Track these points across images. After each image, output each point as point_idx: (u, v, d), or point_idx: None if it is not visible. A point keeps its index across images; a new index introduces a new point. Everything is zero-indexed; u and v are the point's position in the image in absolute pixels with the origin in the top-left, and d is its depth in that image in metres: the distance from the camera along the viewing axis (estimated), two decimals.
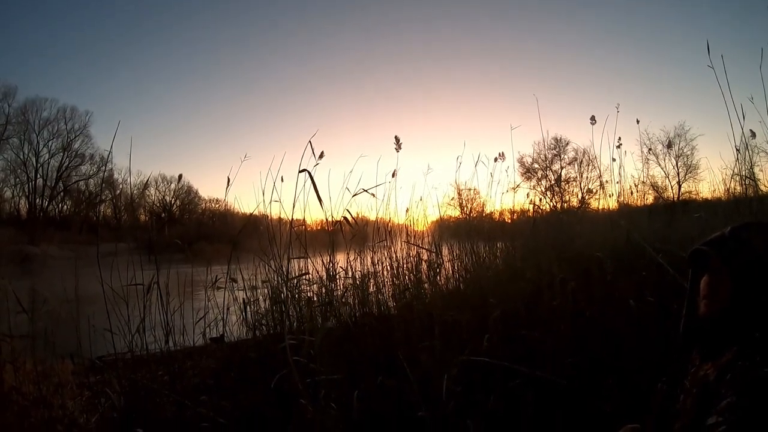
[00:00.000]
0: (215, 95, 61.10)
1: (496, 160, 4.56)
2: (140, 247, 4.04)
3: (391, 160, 4.28)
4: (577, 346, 2.83)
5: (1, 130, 36.28)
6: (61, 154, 39.00)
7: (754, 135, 3.48)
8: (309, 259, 3.77)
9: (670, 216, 4.69)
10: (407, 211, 4.79)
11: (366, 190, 3.37)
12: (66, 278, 3.47)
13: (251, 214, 3.90)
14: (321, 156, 3.60)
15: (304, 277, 3.70)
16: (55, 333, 3.19)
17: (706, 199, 5.79)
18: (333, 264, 3.94)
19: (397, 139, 4.03)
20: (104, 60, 56.98)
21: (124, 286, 3.10)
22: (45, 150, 38.53)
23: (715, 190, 4.75)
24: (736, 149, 3.47)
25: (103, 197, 38.84)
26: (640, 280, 3.16)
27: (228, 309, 3.68)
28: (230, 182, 3.71)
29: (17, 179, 37.79)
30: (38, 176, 38.10)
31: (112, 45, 56.29)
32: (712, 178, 4.79)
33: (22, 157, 37.77)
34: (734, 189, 3.93)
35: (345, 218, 3.13)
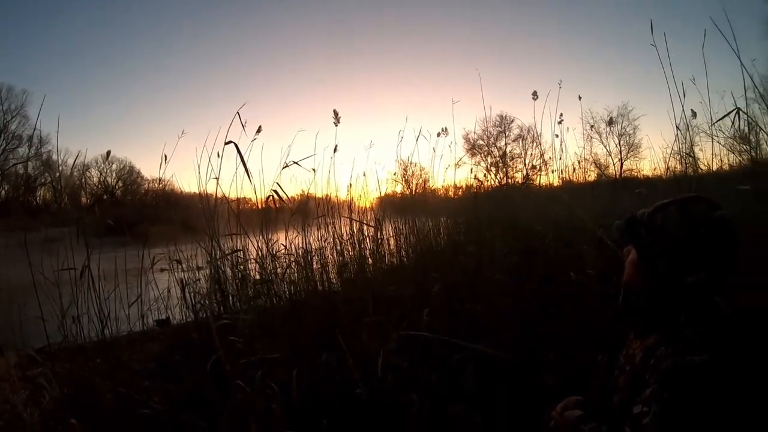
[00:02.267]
0: (162, 71, 58.11)
1: (439, 135, 4.49)
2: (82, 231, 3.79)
3: (331, 135, 4.15)
4: (518, 320, 2.82)
5: None
6: None
7: (694, 114, 3.53)
8: (249, 238, 3.62)
9: (611, 192, 4.78)
10: (350, 186, 4.68)
11: (296, 162, 3.21)
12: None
13: (194, 193, 3.71)
14: (258, 131, 3.49)
15: (238, 254, 3.54)
16: None
17: (648, 177, 5.94)
18: (273, 241, 3.85)
19: (335, 112, 3.89)
20: (42, 38, 52.80)
21: (56, 271, 2.91)
22: None
23: (656, 168, 4.85)
24: (677, 127, 3.51)
25: (43, 180, 36.57)
26: (582, 254, 3.18)
27: (169, 291, 3.59)
28: (167, 160, 3.55)
29: None
30: None
31: (53, 21, 52.19)
32: (653, 157, 4.91)
33: None
34: (674, 167, 4.01)
35: (275, 192, 2.95)
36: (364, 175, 4.66)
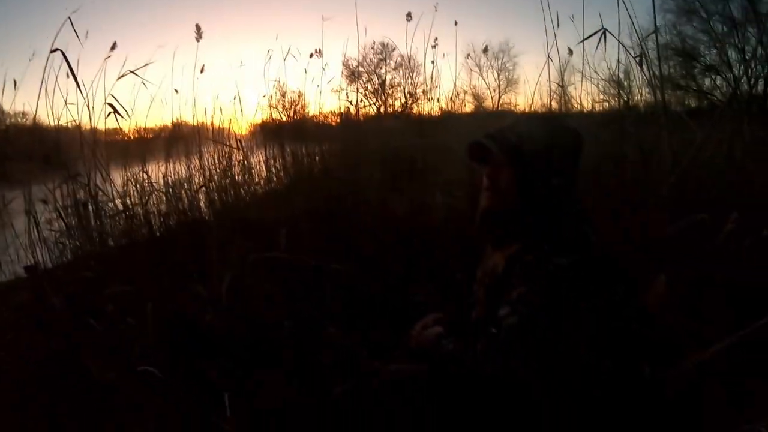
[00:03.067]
0: None
1: (311, 56, 4.27)
2: None
3: (194, 54, 3.78)
4: (388, 242, 2.86)
5: None
6: None
7: (571, 53, 3.63)
8: (107, 170, 3.29)
9: (484, 121, 4.93)
10: (220, 111, 4.37)
11: (134, 72, 2.88)
12: None
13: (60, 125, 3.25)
14: (113, 47, 3.07)
15: (100, 190, 3.21)
16: None
17: (523, 111, 6.19)
18: (140, 172, 3.56)
19: (197, 27, 3.53)
20: None
21: None
22: None
23: (531, 103, 5.04)
24: (548, 57, 3.59)
25: None
26: (450, 177, 3.27)
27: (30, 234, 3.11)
28: (16, 85, 3.07)
29: None
30: None
31: None
32: (528, 92, 5.07)
33: None
34: (549, 104, 4.15)
35: (111, 105, 2.64)
36: (236, 98, 4.37)
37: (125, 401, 1.67)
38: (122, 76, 2.85)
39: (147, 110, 3.68)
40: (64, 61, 2.44)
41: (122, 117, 2.73)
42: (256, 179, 4.03)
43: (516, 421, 1.10)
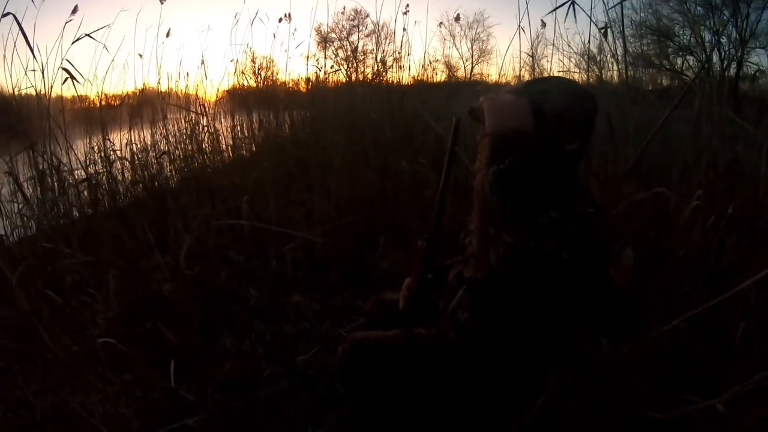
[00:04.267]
0: None
1: (280, 20, 4.16)
2: None
3: (158, 17, 3.66)
4: (354, 208, 2.86)
5: None
6: None
7: (544, 25, 3.58)
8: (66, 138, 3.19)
9: (455, 90, 4.89)
10: (186, 76, 4.26)
11: (89, 35, 2.76)
12: None
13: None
14: (74, 11, 2.92)
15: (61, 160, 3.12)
16: None
17: (496, 82, 6.12)
18: (106, 141, 3.47)
19: None
20: None
21: None
22: None
23: (502, 74, 4.99)
24: (520, 27, 3.55)
25: None
26: (418, 147, 3.27)
27: None
28: None
29: None
30: None
31: None
32: (500, 63, 5.01)
33: None
34: (522, 75, 4.12)
35: (66, 70, 2.54)
36: (203, 63, 4.26)
37: (86, 373, 1.65)
38: (77, 39, 2.73)
39: (109, 76, 3.58)
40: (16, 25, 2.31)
41: (78, 82, 2.62)
42: (223, 146, 3.97)
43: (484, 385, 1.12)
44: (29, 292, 2.04)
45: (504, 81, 5.15)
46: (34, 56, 2.58)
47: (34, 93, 3.03)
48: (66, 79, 2.58)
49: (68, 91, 3.14)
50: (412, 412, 1.16)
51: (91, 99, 3.95)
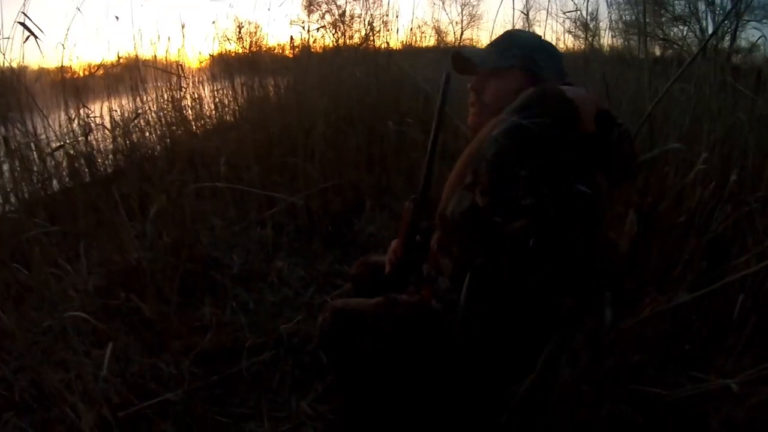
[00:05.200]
0: None
1: None
2: None
3: None
4: (340, 171, 2.79)
5: None
6: None
7: None
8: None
9: (444, 55, 4.77)
10: (168, 41, 4.12)
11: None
12: None
13: None
14: None
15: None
16: None
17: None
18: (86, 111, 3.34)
19: None
20: None
21: None
22: None
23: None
24: None
25: None
26: (405, 109, 3.18)
27: None
28: None
29: None
30: None
31: None
32: (491, 28, 4.88)
33: None
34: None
35: (23, 24, 2.35)
36: (183, 27, 4.11)
37: (60, 349, 1.59)
38: None
39: (83, 41, 3.43)
40: None
41: (39, 39, 2.44)
42: (206, 112, 3.86)
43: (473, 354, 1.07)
44: None
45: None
46: None
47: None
48: (27, 38, 2.41)
49: (23, 50, 2.98)
50: (395, 382, 1.13)
51: (69, 67, 3.82)
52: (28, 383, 1.55)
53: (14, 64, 2.84)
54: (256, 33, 5.00)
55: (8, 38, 2.77)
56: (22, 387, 1.53)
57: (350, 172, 2.81)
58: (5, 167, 3.07)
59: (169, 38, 4.14)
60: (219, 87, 4.06)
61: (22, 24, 2.15)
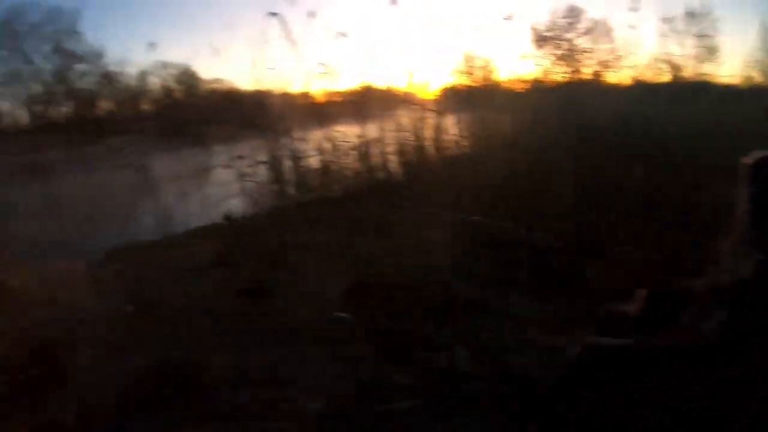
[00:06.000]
0: None
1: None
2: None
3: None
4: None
5: None
6: (54, 56, 35.63)
7: None
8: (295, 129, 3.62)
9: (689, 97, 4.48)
10: (410, 76, 4.51)
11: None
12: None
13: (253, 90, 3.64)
14: None
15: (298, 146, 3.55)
16: None
17: (727, 85, 5.42)
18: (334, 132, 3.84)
19: None
20: None
21: None
22: (37, 56, 35.05)
23: (733, 76, 4.47)
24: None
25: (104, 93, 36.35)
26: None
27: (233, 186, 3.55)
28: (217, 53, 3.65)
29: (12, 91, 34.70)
30: (33, 83, 35.09)
31: None
32: (729, 62, 4.49)
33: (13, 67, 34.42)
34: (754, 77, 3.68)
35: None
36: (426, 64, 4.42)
37: None
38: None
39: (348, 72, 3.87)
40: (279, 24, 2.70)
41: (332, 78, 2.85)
42: (443, 143, 4.09)
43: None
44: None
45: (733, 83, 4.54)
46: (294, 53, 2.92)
47: (267, 89, 3.44)
48: (322, 75, 2.80)
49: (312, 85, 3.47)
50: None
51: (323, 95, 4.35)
52: None
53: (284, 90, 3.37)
54: (487, 67, 5.20)
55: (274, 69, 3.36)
56: None
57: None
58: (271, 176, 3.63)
59: (411, 74, 4.53)
60: (453, 119, 4.28)
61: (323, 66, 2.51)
